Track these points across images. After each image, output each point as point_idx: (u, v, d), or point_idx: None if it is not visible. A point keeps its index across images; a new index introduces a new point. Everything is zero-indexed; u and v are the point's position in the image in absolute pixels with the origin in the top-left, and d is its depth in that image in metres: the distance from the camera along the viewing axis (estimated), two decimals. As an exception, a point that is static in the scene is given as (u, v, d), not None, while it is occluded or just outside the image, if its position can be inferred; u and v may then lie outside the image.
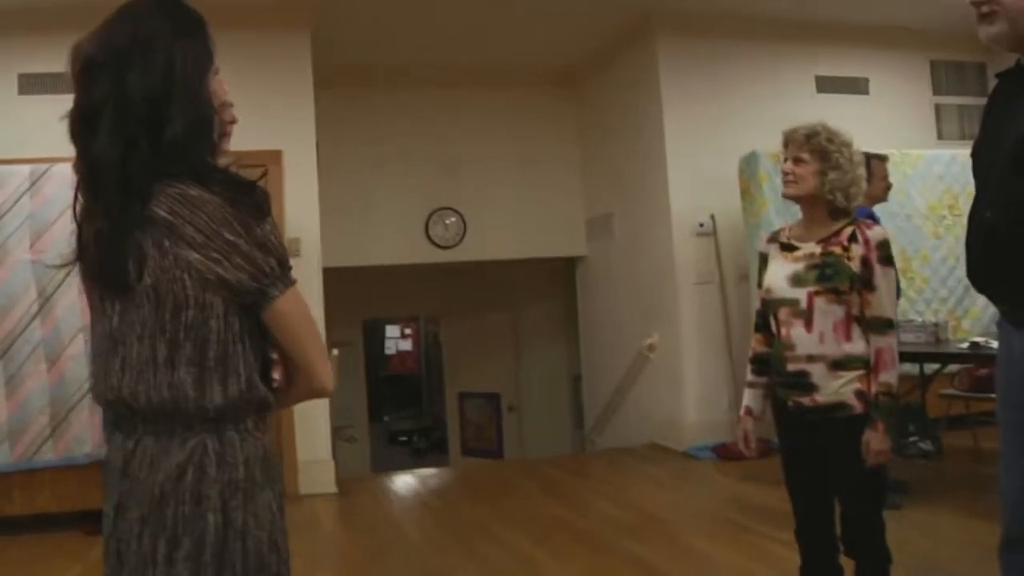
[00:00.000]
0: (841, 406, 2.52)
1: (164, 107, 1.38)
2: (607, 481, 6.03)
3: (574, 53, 7.39)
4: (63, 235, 4.88)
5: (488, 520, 4.98)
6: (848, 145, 2.61)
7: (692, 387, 6.57)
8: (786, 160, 2.65)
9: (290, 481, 5.72)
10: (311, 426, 5.77)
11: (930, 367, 5.20)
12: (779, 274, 2.65)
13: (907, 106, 7.30)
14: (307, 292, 5.94)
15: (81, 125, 1.40)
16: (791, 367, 2.59)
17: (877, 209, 4.97)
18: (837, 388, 2.52)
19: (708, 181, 6.48)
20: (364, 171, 7.31)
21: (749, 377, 2.83)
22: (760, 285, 2.76)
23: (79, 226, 1.45)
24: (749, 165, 5.98)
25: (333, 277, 6.06)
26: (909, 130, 7.16)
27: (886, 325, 2.52)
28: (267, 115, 5.79)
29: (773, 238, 2.78)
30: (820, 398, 2.54)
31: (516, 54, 7.38)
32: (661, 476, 5.97)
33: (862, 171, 2.63)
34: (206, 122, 1.43)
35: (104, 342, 1.44)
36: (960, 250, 6.66)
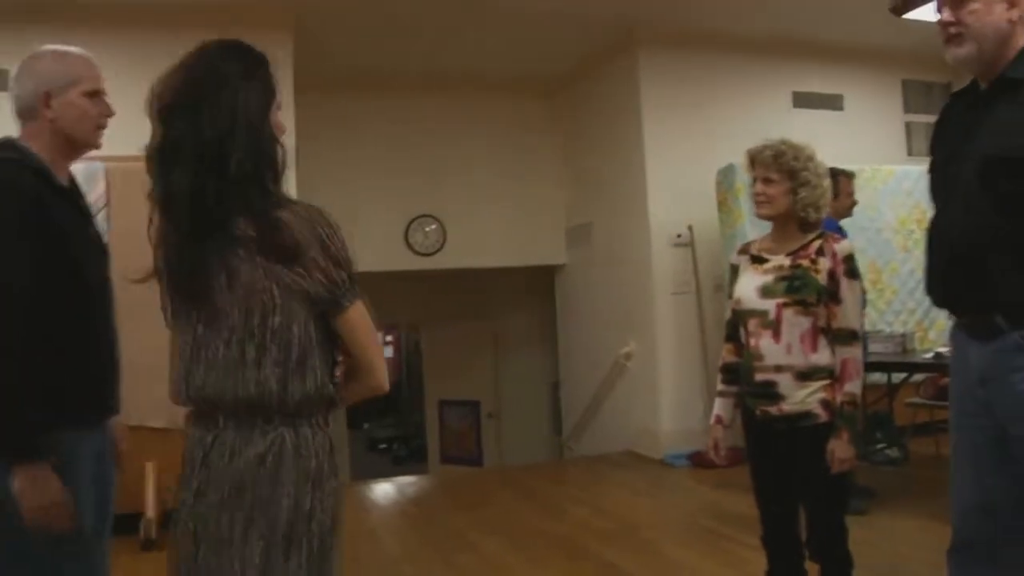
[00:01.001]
0: (807, 415, 2.58)
1: (231, 142, 1.57)
2: (584, 488, 6.09)
3: (556, 64, 7.46)
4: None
5: (465, 528, 5.01)
6: (812, 159, 2.67)
7: (668, 395, 6.65)
8: (755, 180, 2.71)
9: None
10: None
11: (897, 376, 5.32)
12: (749, 285, 2.70)
13: (879, 123, 7.45)
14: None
15: (159, 159, 1.62)
16: (759, 377, 2.64)
17: (845, 223, 5.09)
18: (803, 397, 2.58)
19: (686, 192, 6.57)
20: (344, 177, 7.33)
21: (719, 386, 2.88)
22: (731, 296, 2.82)
23: (156, 247, 1.70)
24: (726, 177, 6.08)
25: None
26: (881, 146, 7.31)
27: (851, 337, 2.59)
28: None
29: (744, 250, 2.84)
30: (787, 407, 2.60)
31: (499, 63, 7.43)
32: (637, 483, 6.04)
33: (828, 182, 2.70)
34: (267, 155, 1.63)
35: (188, 349, 1.64)
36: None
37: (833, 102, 7.24)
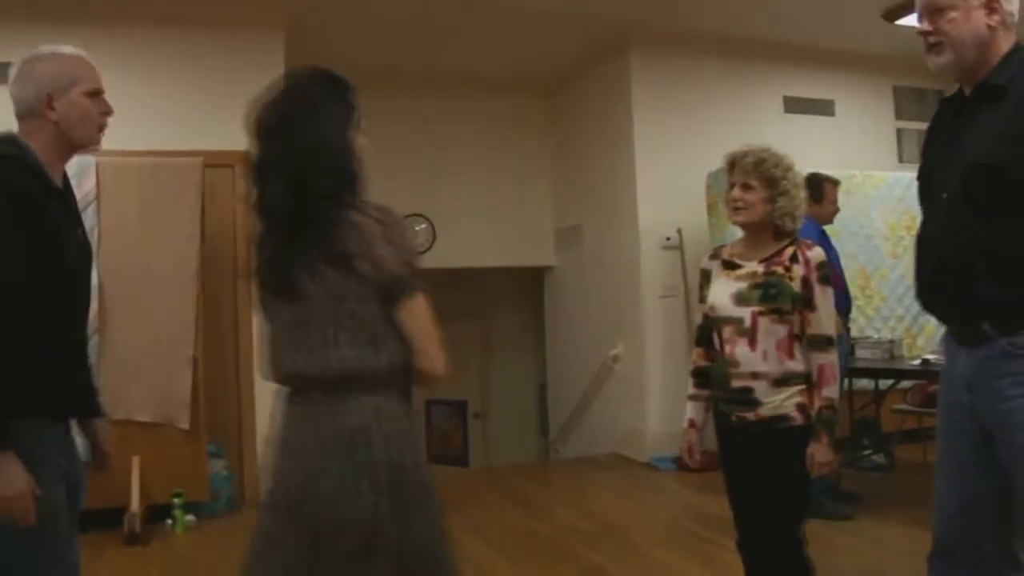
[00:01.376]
0: (783, 418, 2.58)
1: (316, 162, 1.88)
2: (570, 490, 6.09)
3: (548, 65, 7.46)
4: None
5: (450, 528, 4.99)
6: (792, 169, 2.68)
7: (655, 398, 6.65)
8: (733, 186, 2.70)
9: (249, 486, 5.71)
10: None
11: (885, 382, 5.33)
12: (723, 292, 2.69)
13: (871, 129, 7.47)
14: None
15: (257, 175, 1.92)
16: (735, 383, 2.64)
17: (831, 229, 5.11)
18: (779, 402, 2.58)
19: (676, 195, 6.58)
20: (335, 176, 7.31)
21: (691, 390, 2.88)
22: (702, 300, 2.82)
23: (251, 246, 1.98)
24: (717, 181, 6.07)
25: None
26: (872, 152, 7.33)
27: (826, 342, 2.59)
28: (239, 116, 5.78)
29: (715, 255, 2.83)
30: (763, 412, 2.60)
31: (490, 64, 7.43)
32: (623, 486, 6.04)
33: (804, 193, 2.70)
34: (347, 172, 1.95)
35: (282, 333, 1.92)
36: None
37: (824, 107, 7.26)
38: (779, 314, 2.57)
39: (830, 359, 2.58)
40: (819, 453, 2.53)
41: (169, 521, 5.00)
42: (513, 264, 8.23)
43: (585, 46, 7.00)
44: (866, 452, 5.81)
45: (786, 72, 7.16)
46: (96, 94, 2.14)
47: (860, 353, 5.13)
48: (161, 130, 5.51)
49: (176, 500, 4.98)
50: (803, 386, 2.59)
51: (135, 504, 4.76)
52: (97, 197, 5.01)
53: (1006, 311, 2.04)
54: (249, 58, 5.89)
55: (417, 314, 1.93)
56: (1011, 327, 2.03)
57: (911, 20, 6.27)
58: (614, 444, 7.02)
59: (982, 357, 2.09)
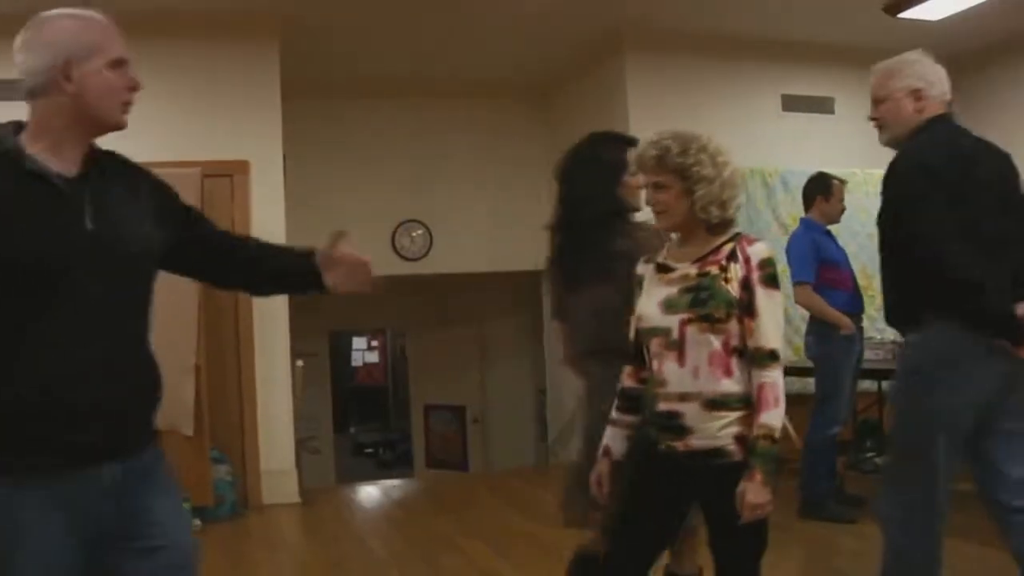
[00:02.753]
0: (718, 452, 2.17)
1: (595, 200, 2.81)
2: (571, 494, 6.04)
3: (543, 67, 7.42)
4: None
5: (451, 532, 4.97)
6: (705, 148, 2.26)
7: (656, 401, 6.60)
8: (645, 187, 2.36)
9: (252, 491, 5.68)
10: (274, 435, 5.74)
11: (888, 384, 5.28)
12: (652, 300, 2.30)
13: (871, 126, 7.41)
14: (272, 303, 5.91)
15: (557, 206, 2.96)
16: (662, 406, 2.24)
17: (835, 228, 5.08)
18: (714, 432, 2.17)
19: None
20: (331, 183, 7.28)
21: (614, 413, 2.46)
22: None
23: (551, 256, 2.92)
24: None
25: (299, 287, 6.02)
26: (873, 150, 7.12)
27: (769, 357, 2.16)
28: (234, 125, 5.78)
29: (650, 258, 2.42)
30: (695, 442, 2.19)
31: (485, 68, 7.40)
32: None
33: (730, 169, 2.28)
34: (614, 207, 2.83)
35: (571, 320, 2.93)
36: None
37: (824, 105, 7.19)
38: (710, 322, 2.17)
39: (772, 377, 2.15)
40: (751, 492, 2.09)
41: (175, 526, 4.96)
42: (511, 269, 8.16)
43: (579, 48, 6.96)
44: (869, 455, 5.78)
45: (784, 69, 7.11)
46: (121, 64, 1.77)
47: (864, 354, 5.09)
48: (159, 141, 5.47)
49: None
50: (743, 412, 2.17)
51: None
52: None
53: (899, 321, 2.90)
54: (245, 68, 5.88)
55: None
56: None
57: (913, 13, 6.27)
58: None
59: None
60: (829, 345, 4.75)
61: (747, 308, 2.17)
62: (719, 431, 2.17)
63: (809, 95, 7.17)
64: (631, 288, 2.41)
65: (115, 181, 1.80)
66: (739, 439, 2.16)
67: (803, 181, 5.19)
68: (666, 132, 2.31)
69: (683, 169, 2.23)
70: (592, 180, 2.81)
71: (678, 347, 2.20)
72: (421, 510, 5.91)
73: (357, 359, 17.31)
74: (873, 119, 2.88)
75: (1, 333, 1.62)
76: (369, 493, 6.52)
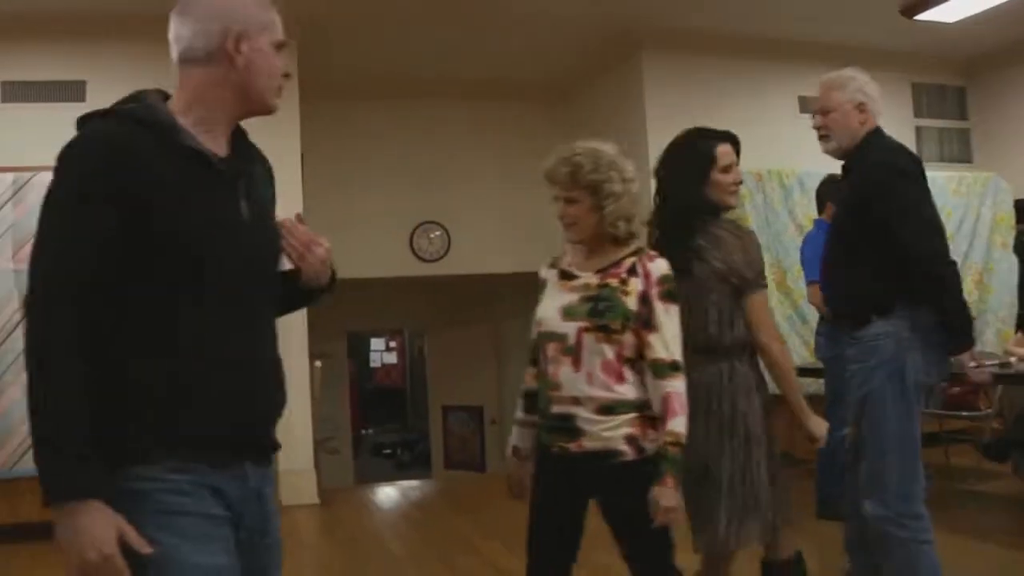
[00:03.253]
0: (610, 453, 2.26)
1: (682, 194, 2.75)
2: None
3: (560, 68, 7.44)
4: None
5: (468, 532, 4.99)
6: (615, 164, 2.36)
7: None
8: (557, 200, 2.41)
9: (271, 492, 5.72)
10: (292, 436, 5.77)
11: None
12: (552, 305, 2.38)
13: (889, 127, 7.14)
14: (291, 303, 5.92)
15: (658, 196, 2.83)
16: (556, 409, 2.31)
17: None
18: (605, 432, 2.26)
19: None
20: (349, 184, 7.32)
21: (518, 414, 2.58)
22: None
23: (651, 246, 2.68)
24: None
25: (317, 289, 6.06)
26: None
27: (671, 368, 2.25)
28: (252, 128, 5.76)
29: (554, 263, 2.49)
30: (587, 444, 2.27)
31: (502, 69, 7.42)
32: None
33: (636, 186, 2.39)
34: (702, 201, 2.70)
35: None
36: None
37: (841, 107, 7.18)
38: (606, 332, 2.25)
39: (676, 387, 2.24)
40: (664, 497, 2.18)
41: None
42: (527, 270, 8.13)
43: (597, 49, 6.97)
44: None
45: (801, 71, 7.05)
46: (282, 47, 1.70)
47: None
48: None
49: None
50: (633, 415, 2.26)
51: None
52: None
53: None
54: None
55: (754, 310, 2.59)
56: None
57: (930, 15, 6.24)
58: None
59: None
60: (839, 346, 4.72)
61: (646, 322, 2.27)
62: (611, 432, 2.26)
63: (826, 95, 7.12)
64: (710, 287, 2.60)
65: (255, 167, 1.73)
66: (629, 440, 2.26)
67: (820, 182, 5.18)
68: (578, 147, 2.38)
69: (594, 185, 2.32)
70: (680, 176, 2.76)
71: (574, 353, 2.28)
72: (439, 511, 5.94)
73: (376, 360, 17.37)
74: (818, 128, 3.03)
75: (153, 322, 1.48)
76: (387, 494, 6.55)
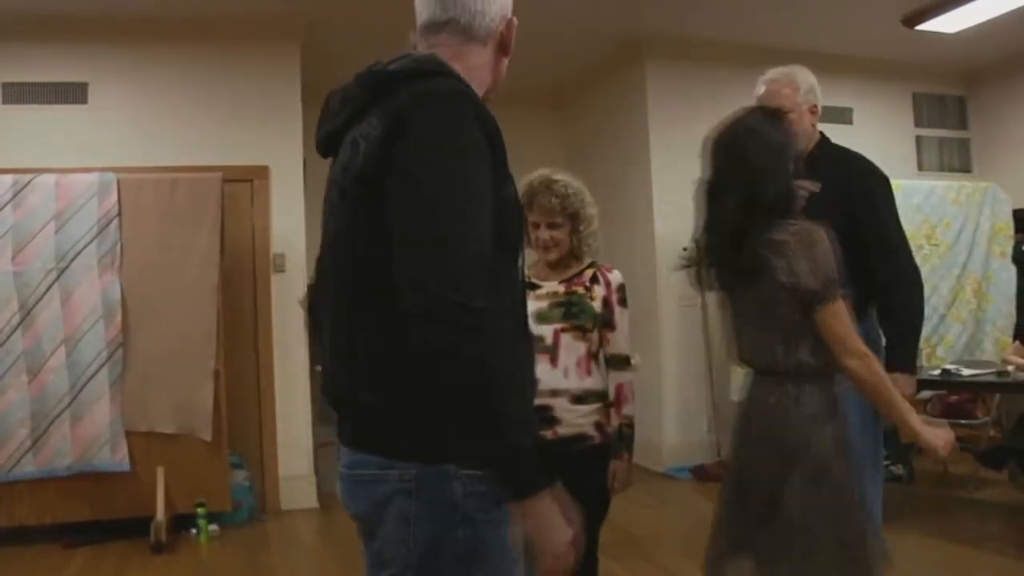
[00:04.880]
0: (581, 437, 2.62)
1: (761, 185, 2.23)
2: (586, 501, 6.05)
3: (562, 75, 7.46)
4: (46, 246, 4.90)
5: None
6: (584, 192, 2.74)
7: (672, 408, 6.61)
8: (538, 225, 2.68)
9: (271, 496, 5.72)
10: (292, 441, 5.78)
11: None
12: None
13: (889, 137, 7.41)
14: (290, 309, 5.92)
15: (708, 195, 2.40)
16: (535, 401, 2.43)
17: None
18: (577, 420, 2.61)
19: (692, 206, 6.53)
20: (351, 188, 7.33)
21: None
22: None
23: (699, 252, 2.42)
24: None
25: (318, 293, 6.08)
26: (890, 160, 7.15)
27: (625, 362, 2.70)
28: (255, 130, 5.83)
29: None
30: (561, 431, 2.60)
31: (506, 74, 7.42)
32: (639, 496, 5.97)
33: (596, 209, 2.76)
34: (787, 193, 2.23)
35: (729, 327, 2.37)
36: (935, 279, 6.76)
37: (842, 115, 7.19)
38: (581, 331, 2.63)
39: (628, 378, 2.69)
40: (621, 470, 2.63)
41: (194, 530, 5.03)
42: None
43: (598, 56, 6.99)
44: (885, 463, 5.74)
45: (803, 80, 7.12)
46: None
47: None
48: (180, 146, 5.56)
49: (200, 510, 5.01)
50: (599, 404, 2.65)
51: (160, 513, 4.81)
52: (119, 213, 5.02)
53: None
54: (266, 73, 5.94)
55: (827, 322, 2.16)
56: None
57: (931, 26, 6.25)
58: (631, 455, 6.98)
59: None
60: None
61: (607, 322, 2.68)
62: (583, 419, 2.62)
63: (827, 105, 7.07)
64: (778, 300, 2.25)
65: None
66: (597, 426, 2.64)
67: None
68: (557, 178, 2.70)
69: (577, 213, 2.69)
70: (767, 166, 2.28)
71: (551, 351, 2.62)
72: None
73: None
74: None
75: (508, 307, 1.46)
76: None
